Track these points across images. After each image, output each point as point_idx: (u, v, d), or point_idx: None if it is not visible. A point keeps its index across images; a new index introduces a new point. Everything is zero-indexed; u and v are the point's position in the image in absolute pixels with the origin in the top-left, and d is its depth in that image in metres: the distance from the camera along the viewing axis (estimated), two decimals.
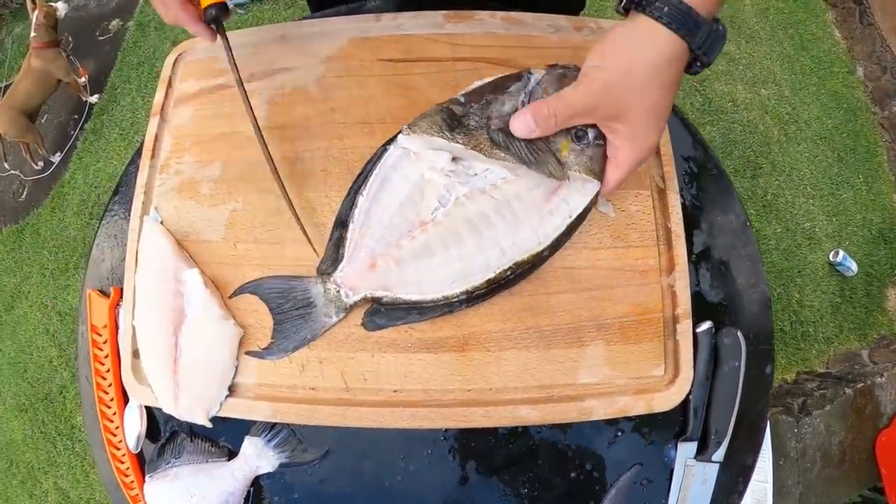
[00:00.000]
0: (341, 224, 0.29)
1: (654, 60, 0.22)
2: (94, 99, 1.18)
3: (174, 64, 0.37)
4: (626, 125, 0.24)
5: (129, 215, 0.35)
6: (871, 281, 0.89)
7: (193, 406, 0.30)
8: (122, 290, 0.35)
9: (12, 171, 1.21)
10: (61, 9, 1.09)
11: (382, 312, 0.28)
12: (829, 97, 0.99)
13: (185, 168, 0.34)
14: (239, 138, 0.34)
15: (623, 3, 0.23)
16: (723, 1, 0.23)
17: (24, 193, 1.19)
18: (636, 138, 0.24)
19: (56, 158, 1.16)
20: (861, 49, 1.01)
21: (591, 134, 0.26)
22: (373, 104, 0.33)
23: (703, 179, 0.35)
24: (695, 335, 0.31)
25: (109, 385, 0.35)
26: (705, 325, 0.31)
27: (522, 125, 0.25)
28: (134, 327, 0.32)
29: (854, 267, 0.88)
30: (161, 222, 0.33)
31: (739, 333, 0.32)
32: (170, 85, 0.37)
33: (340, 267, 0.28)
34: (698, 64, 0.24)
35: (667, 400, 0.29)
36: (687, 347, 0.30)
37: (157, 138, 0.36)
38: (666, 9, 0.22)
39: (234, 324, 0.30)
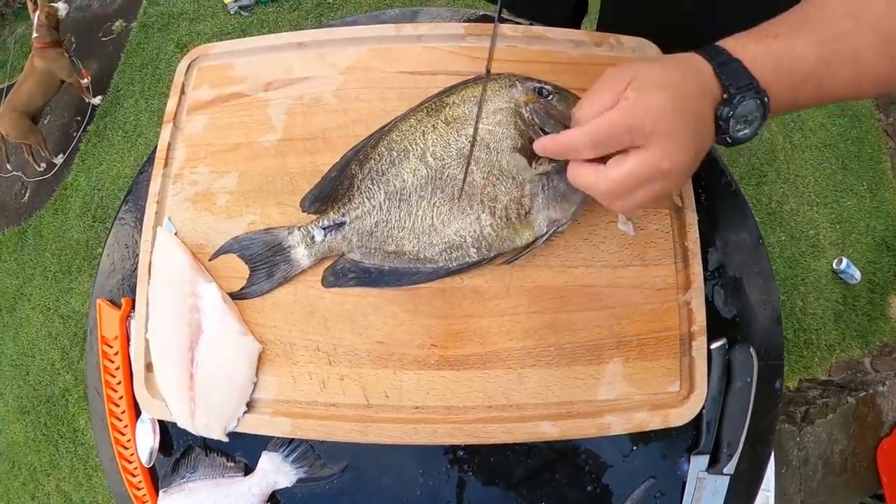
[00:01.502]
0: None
1: (677, 79, 0.22)
2: (96, 100, 1.15)
3: (187, 70, 0.36)
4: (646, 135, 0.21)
5: (140, 224, 0.33)
6: (873, 288, 0.88)
7: (210, 422, 0.29)
8: (133, 301, 0.34)
9: (15, 173, 1.18)
10: (62, 9, 1.05)
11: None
12: (833, 104, 0.97)
13: (200, 178, 0.33)
14: (256, 148, 0.33)
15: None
16: (777, 72, 0.22)
17: (27, 195, 1.16)
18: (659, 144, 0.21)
19: (59, 160, 1.13)
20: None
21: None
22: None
23: (719, 197, 0.35)
24: (709, 351, 0.31)
25: (120, 398, 0.34)
26: (719, 342, 0.31)
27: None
28: (147, 340, 0.31)
29: (857, 275, 0.86)
30: (175, 233, 0.32)
31: (752, 350, 0.32)
32: (183, 92, 0.35)
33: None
34: (725, 97, 0.22)
35: (681, 415, 0.29)
36: (701, 364, 0.30)
37: (169, 147, 0.34)
38: (707, 49, 0.23)
39: (252, 339, 0.29)
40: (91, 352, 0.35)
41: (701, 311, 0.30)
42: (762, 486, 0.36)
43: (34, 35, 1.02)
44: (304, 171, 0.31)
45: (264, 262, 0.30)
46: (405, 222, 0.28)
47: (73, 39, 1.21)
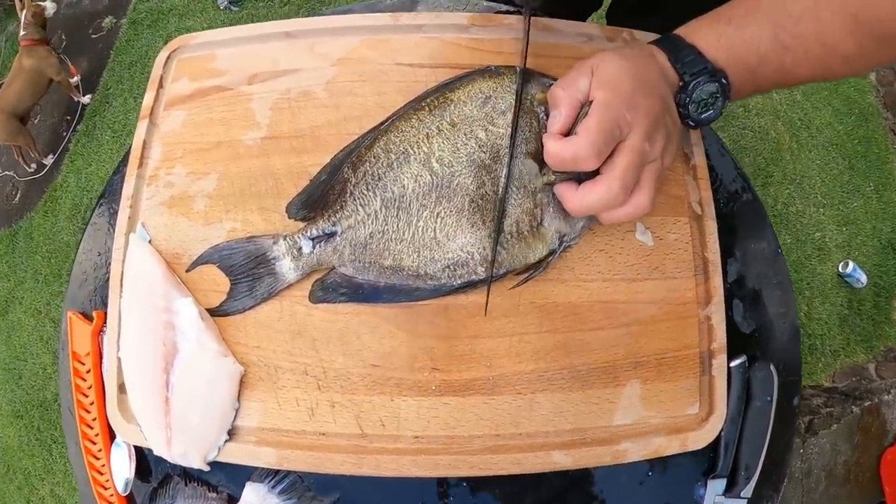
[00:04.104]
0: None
1: (640, 52, 0.22)
2: (86, 99, 1.06)
3: (166, 62, 0.30)
4: (605, 73, 0.21)
5: (114, 229, 0.28)
6: (879, 292, 0.82)
7: (189, 450, 0.24)
8: (105, 314, 0.29)
9: (6, 173, 1.08)
10: (49, 7, 0.97)
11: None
12: (841, 102, 0.91)
13: (176, 180, 0.28)
14: (237, 147, 0.27)
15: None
16: (729, 53, 0.22)
17: (18, 195, 1.07)
18: (616, 85, 0.21)
19: (49, 160, 1.04)
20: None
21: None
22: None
23: (738, 205, 0.31)
24: (728, 370, 0.27)
25: (94, 419, 0.29)
26: (739, 360, 0.27)
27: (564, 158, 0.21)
28: (119, 359, 0.26)
29: (863, 278, 0.80)
30: (149, 241, 0.27)
31: (772, 367, 0.28)
32: (161, 85, 0.30)
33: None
34: (681, 84, 0.22)
35: (700, 438, 0.25)
36: (721, 383, 0.26)
37: (145, 145, 0.29)
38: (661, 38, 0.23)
39: (233, 361, 0.24)
40: (63, 368, 0.30)
41: (721, 327, 0.26)
42: None
43: (21, 33, 0.94)
44: (291, 172, 0.26)
45: (246, 274, 0.25)
46: (404, 234, 0.23)
47: (63, 37, 1.11)
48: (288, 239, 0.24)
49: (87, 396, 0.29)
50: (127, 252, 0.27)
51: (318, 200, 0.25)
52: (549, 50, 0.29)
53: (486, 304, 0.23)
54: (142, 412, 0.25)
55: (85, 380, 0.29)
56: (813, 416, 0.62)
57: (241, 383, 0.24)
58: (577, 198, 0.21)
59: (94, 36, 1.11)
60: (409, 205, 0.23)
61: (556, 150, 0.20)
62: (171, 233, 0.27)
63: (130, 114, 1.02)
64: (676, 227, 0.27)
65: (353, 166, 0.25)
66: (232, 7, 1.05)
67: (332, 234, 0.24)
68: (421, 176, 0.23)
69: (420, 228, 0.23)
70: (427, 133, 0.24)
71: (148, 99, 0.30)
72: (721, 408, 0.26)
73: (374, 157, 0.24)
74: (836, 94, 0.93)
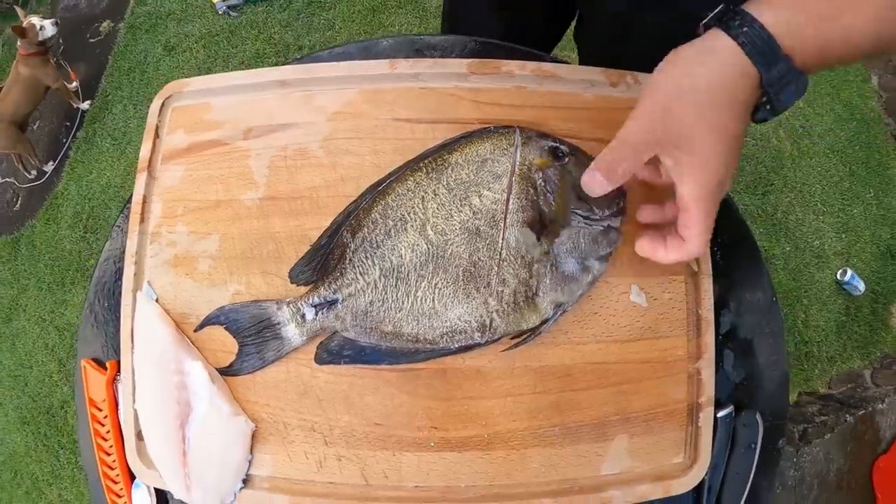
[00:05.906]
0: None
1: (721, 79, 0.19)
2: (85, 105, 1.05)
3: (160, 110, 0.30)
4: (689, 154, 0.19)
5: (119, 280, 0.29)
6: (876, 298, 0.82)
7: (206, 496, 0.27)
8: (118, 363, 0.30)
9: (6, 180, 1.08)
10: (48, 29, 0.94)
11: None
12: (842, 108, 0.90)
13: (178, 239, 0.29)
14: (237, 207, 0.28)
15: (705, 21, 0.20)
16: (822, 61, 0.18)
17: (19, 202, 1.08)
18: (705, 168, 0.19)
19: (49, 168, 1.05)
20: (877, 57, 0.92)
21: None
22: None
23: (736, 255, 0.31)
24: (715, 419, 0.28)
25: (114, 461, 0.31)
26: (726, 410, 0.29)
27: (595, 184, 0.21)
28: (136, 410, 0.28)
29: (861, 286, 0.80)
30: (156, 299, 0.28)
31: (758, 416, 0.29)
32: (157, 135, 0.30)
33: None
34: (767, 107, 0.19)
35: (683, 484, 0.27)
36: (707, 434, 0.28)
37: (145, 200, 0.30)
38: (745, 29, 0.18)
39: (245, 420, 0.26)
40: (81, 413, 0.33)
41: (710, 381, 0.27)
42: None
43: (18, 42, 0.92)
44: (291, 235, 0.27)
45: (253, 336, 0.26)
46: (403, 303, 0.24)
47: (61, 41, 1.09)
48: (291, 305, 0.25)
49: (106, 440, 0.31)
50: (135, 308, 0.28)
51: (318, 265, 0.26)
52: (549, 100, 0.29)
53: None
54: (161, 462, 0.28)
55: (103, 425, 0.31)
56: (807, 424, 0.63)
57: (254, 437, 0.26)
58: (671, 257, 0.22)
59: (91, 40, 1.09)
60: (408, 275, 0.24)
61: (672, 259, 0.21)
62: (177, 293, 0.28)
63: (130, 121, 1.02)
64: (672, 287, 0.28)
65: (351, 230, 0.25)
66: (231, 12, 1.01)
67: (333, 302, 0.25)
68: (418, 245, 0.24)
69: (419, 299, 0.24)
70: (423, 197, 0.25)
71: (145, 150, 0.30)
72: (705, 457, 0.28)
73: (372, 223, 0.25)
74: (838, 100, 0.91)
